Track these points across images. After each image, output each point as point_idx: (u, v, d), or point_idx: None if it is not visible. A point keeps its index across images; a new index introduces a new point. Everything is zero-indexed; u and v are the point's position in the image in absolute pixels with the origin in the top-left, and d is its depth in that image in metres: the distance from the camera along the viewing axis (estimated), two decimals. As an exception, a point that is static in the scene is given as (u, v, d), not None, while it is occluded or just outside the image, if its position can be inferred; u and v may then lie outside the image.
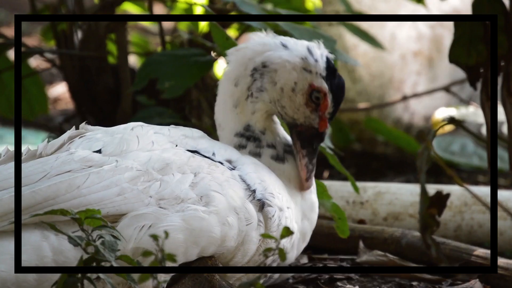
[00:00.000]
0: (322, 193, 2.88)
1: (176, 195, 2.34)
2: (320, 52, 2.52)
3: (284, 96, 2.51)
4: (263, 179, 2.46)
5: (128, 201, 2.29)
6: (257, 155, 2.55)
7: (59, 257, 2.25)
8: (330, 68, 2.52)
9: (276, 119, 2.62)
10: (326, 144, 3.10)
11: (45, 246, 2.25)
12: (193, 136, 2.51)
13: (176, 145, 2.45)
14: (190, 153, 2.43)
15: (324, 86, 2.51)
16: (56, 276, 2.22)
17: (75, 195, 2.27)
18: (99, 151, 2.39)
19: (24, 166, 2.33)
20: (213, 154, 2.47)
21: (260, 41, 2.54)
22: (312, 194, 2.63)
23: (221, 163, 2.45)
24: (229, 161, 2.48)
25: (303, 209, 2.60)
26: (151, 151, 2.40)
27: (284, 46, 2.52)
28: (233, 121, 2.56)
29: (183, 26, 4.86)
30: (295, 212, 2.55)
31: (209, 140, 2.53)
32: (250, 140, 2.55)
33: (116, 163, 2.34)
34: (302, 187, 2.57)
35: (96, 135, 2.45)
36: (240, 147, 2.56)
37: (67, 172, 2.31)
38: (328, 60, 2.52)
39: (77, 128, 2.51)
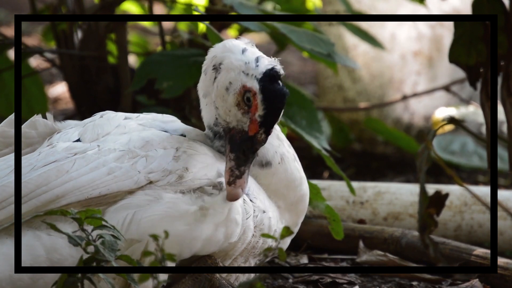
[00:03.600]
0: (316, 195, 2.88)
1: (164, 167, 2.37)
2: (268, 62, 2.43)
3: (218, 95, 2.44)
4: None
5: (119, 179, 2.33)
6: (221, 153, 2.55)
7: (53, 255, 2.27)
8: (270, 73, 2.40)
9: None
10: (322, 145, 3.10)
11: (38, 246, 2.27)
12: (164, 120, 2.54)
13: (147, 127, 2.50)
14: (166, 132, 2.47)
15: (255, 86, 2.39)
16: (50, 274, 2.25)
17: (66, 179, 2.31)
18: (78, 141, 2.45)
19: (9, 160, 2.39)
20: (183, 135, 2.49)
21: (230, 43, 2.49)
22: (302, 186, 2.59)
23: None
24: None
25: (287, 206, 2.59)
26: (128, 133, 2.45)
27: (243, 51, 2.46)
28: (205, 112, 2.55)
29: (183, 26, 4.86)
30: (275, 214, 2.55)
31: (180, 123, 2.56)
32: (216, 137, 2.54)
33: (99, 148, 2.39)
34: (228, 195, 2.39)
35: (69, 129, 2.51)
36: (209, 139, 2.56)
37: (53, 162, 2.35)
38: (272, 68, 2.42)
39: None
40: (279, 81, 2.42)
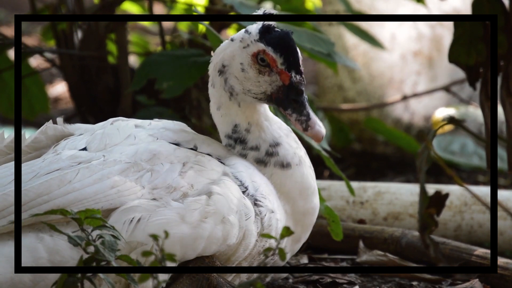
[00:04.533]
0: None
1: (168, 184, 2.35)
2: (256, 25, 2.50)
3: (242, 81, 2.49)
4: (254, 180, 2.47)
5: (122, 194, 2.31)
6: (243, 156, 2.55)
7: (55, 257, 2.26)
8: (263, 28, 2.48)
9: (267, 113, 2.59)
10: (322, 146, 3.10)
11: (40, 248, 2.26)
12: (174, 129, 2.53)
13: (157, 138, 2.47)
14: (174, 145, 2.46)
15: (260, 45, 2.46)
16: (51, 276, 2.24)
17: (69, 189, 2.29)
18: (84, 149, 2.43)
19: (11, 167, 2.37)
20: (195, 146, 2.49)
21: (217, 49, 2.55)
22: (313, 197, 2.59)
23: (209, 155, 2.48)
24: (218, 157, 2.50)
25: (294, 215, 2.58)
26: (135, 144, 2.42)
27: (231, 40, 2.52)
28: (221, 123, 2.57)
29: (183, 26, 4.86)
30: (283, 218, 2.54)
31: (191, 133, 2.55)
32: (237, 142, 2.54)
33: (104, 158, 2.36)
34: (313, 138, 2.47)
35: (77, 137, 2.49)
36: (229, 147, 2.56)
37: (57, 170, 2.33)
38: (263, 25, 2.49)
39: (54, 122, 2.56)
40: (276, 29, 2.48)
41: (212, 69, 2.54)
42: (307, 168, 2.57)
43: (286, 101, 2.46)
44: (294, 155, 2.55)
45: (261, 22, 2.49)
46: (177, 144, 2.47)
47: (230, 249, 2.41)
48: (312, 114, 2.45)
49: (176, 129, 2.53)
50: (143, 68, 3.38)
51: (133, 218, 2.29)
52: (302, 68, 2.48)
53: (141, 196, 2.32)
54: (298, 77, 2.46)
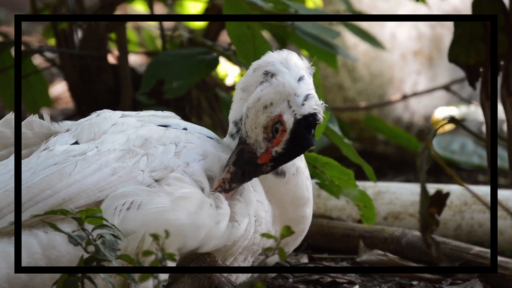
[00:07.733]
0: (347, 182, 2.85)
1: (166, 165, 2.35)
2: (314, 104, 2.37)
3: (254, 107, 2.39)
4: None
5: (123, 179, 2.31)
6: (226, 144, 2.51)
7: (51, 253, 2.26)
8: (308, 120, 2.36)
9: None
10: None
11: (34, 243, 2.26)
12: (164, 115, 2.54)
13: (145, 123, 2.48)
14: (164, 127, 2.46)
15: (289, 123, 2.35)
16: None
17: (70, 182, 2.29)
18: (75, 143, 2.42)
19: (8, 165, 2.37)
20: (185, 129, 2.48)
21: (292, 61, 2.43)
22: (305, 207, 2.55)
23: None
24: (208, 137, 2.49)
25: (283, 220, 2.55)
26: (125, 131, 2.43)
27: (300, 78, 2.40)
28: (236, 105, 2.50)
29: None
30: (269, 210, 2.52)
31: (180, 119, 2.55)
32: (238, 132, 2.49)
33: (97, 149, 2.37)
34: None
35: (65, 133, 2.48)
36: (230, 135, 2.52)
37: (54, 165, 2.33)
38: (314, 114, 2.36)
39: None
40: (312, 130, 2.38)
41: (265, 63, 2.43)
42: (304, 179, 2.53)
43: (241, 164, 2.38)
44: (291, 166, 2.50)
45: (316, 111, 2.37)
46: (166, 126, 2.48)
47: (232, 243, 2.41)
48: (232, 193, 2.37)
49: (165, 115, 2.55)
50: (150, 69, 3.39)
51: (124, 203, 2.29)
52: (280, 167, 2.43)
53: (142, 180, 2.32)
54: (269, 169, 2.39)
